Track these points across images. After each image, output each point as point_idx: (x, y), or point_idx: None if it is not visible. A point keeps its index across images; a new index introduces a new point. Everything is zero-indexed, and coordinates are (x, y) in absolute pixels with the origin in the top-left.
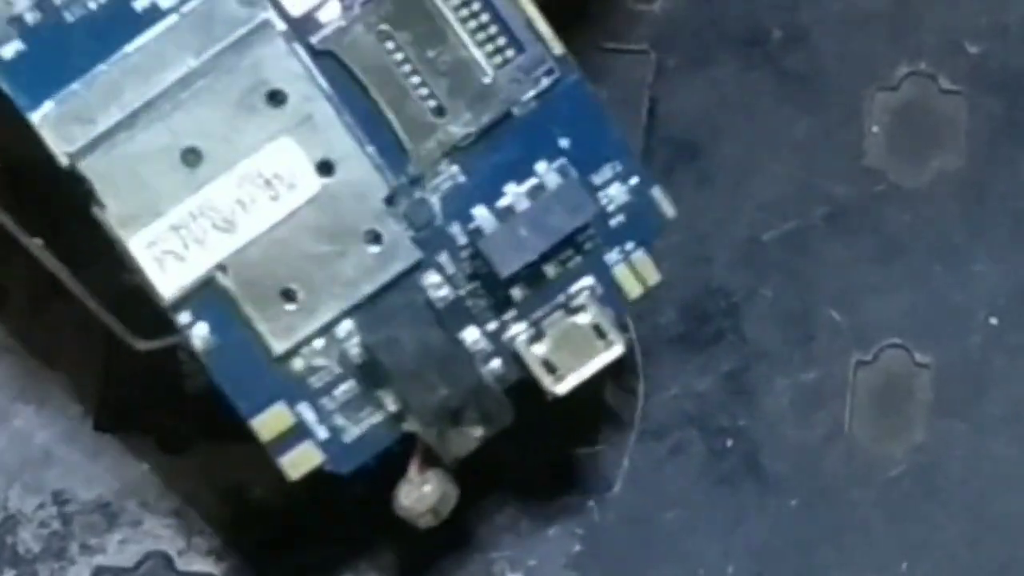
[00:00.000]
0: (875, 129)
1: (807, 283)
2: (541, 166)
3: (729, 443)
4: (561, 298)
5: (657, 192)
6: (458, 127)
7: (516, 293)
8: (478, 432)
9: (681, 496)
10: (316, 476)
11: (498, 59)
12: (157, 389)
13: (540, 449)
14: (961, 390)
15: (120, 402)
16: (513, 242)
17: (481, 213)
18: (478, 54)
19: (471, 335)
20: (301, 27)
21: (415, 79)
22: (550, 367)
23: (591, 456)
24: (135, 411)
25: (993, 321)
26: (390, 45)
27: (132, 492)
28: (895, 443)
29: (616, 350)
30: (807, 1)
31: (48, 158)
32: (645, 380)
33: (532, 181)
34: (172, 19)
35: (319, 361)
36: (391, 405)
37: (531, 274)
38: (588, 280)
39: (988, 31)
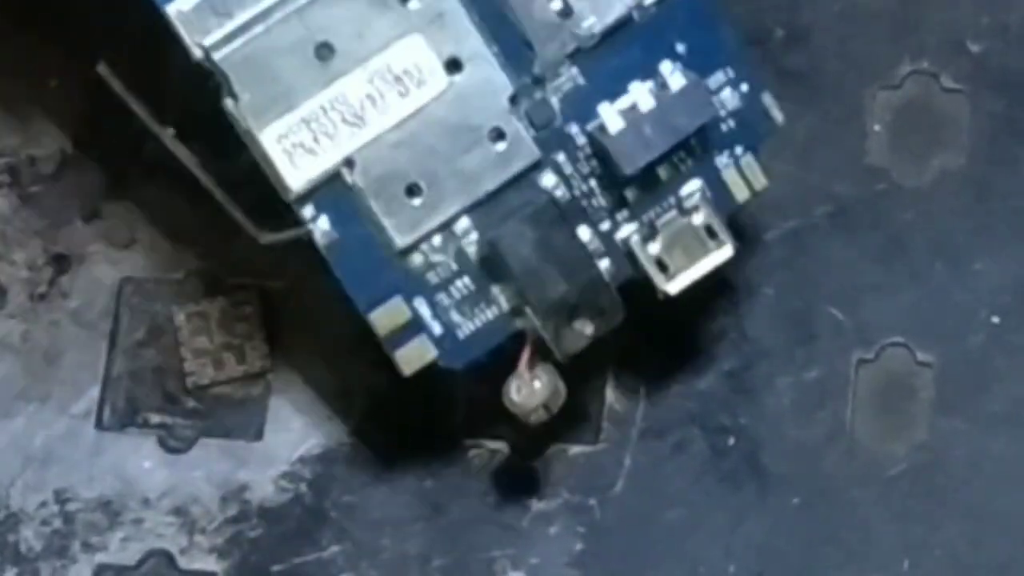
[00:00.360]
0: (877, 128)
1: (809, 282)
2: (665, 67)
3: (731, 442)
4: (672, 199)
5: (767, 98)
6: (582, 29)
7: (629, 194)
8: (590, 329)
9: (683, 495)
10: (317, 472)
11: None
12: (158, 388)
13: (542, 447)
14: (963, 389)
15: (121, 401)
16: (638, 140)
17: (602, 112)
18: None
19: (583, 234)
20: None
21: None
22: (662, 265)
23: (593, 455)
24: (136, 410)
25: (995, 320)
26: None
27: (133, 490)
28: (897, 442)
29: (727, 250)
30: (808, 0)
31: (53, 151)
32: (647, 379)
33: (652, 83)
34: None
35: (437, 257)
36: (505, 302)
37: (645, 176)
38: (697, 182)
39: (989, 30)
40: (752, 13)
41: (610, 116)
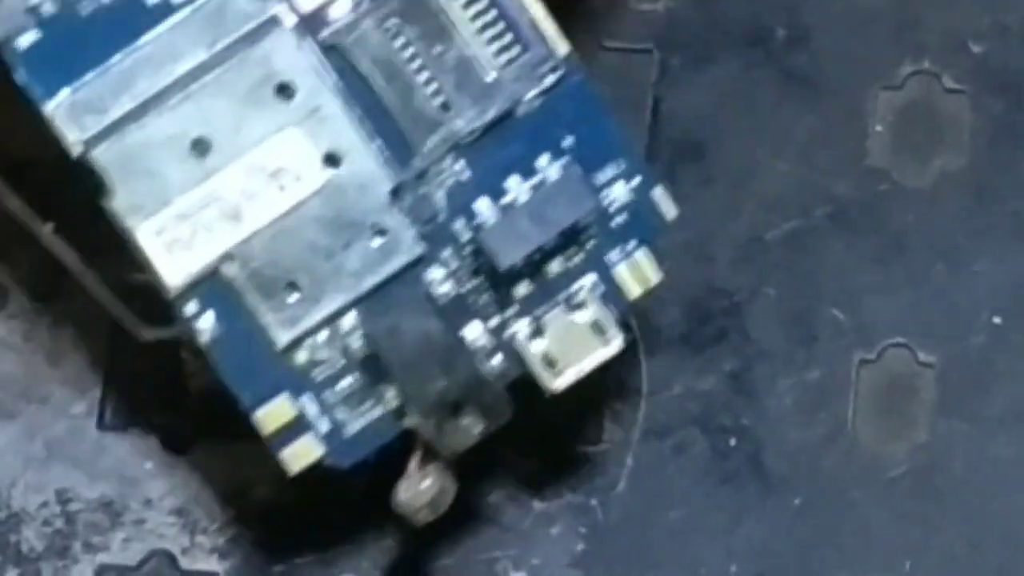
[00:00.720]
0: (878, 128)
1: (810, 282)
2: (543, 160)
3: (732, 442)
4: (563, 295)
5: (659, 192)
6: (463, 123)
7: (519, 290)
8: (477, 427)
9: (684, 495)
10: (319, 473)
11: (503, 57)
12: (160, 388)
13: (544, 448)
14: (964, 389)
15: (123, 401)
16: (513, 234)
17: (483, 208)
18: (484, 51)
19: (473, 331)
20: (311, 22)
21: (422, 75)
22: (549, 362)
23: (595, 455)
24: (138, 410)
25: (996, 320)
26: (398, 41)
27: (135, 491)
28: (898, 442)
29: (614, 347)
30: (810, 0)
31: (52, 155)
32: (648, 379)
33: (535, 177)
34: (184, 12)
35: (322, 354)
36: (393, 400)
37: (534, 271)
38: (590, 278)
39: (991, 30)
40: (754, 12)
41: (487, 212)
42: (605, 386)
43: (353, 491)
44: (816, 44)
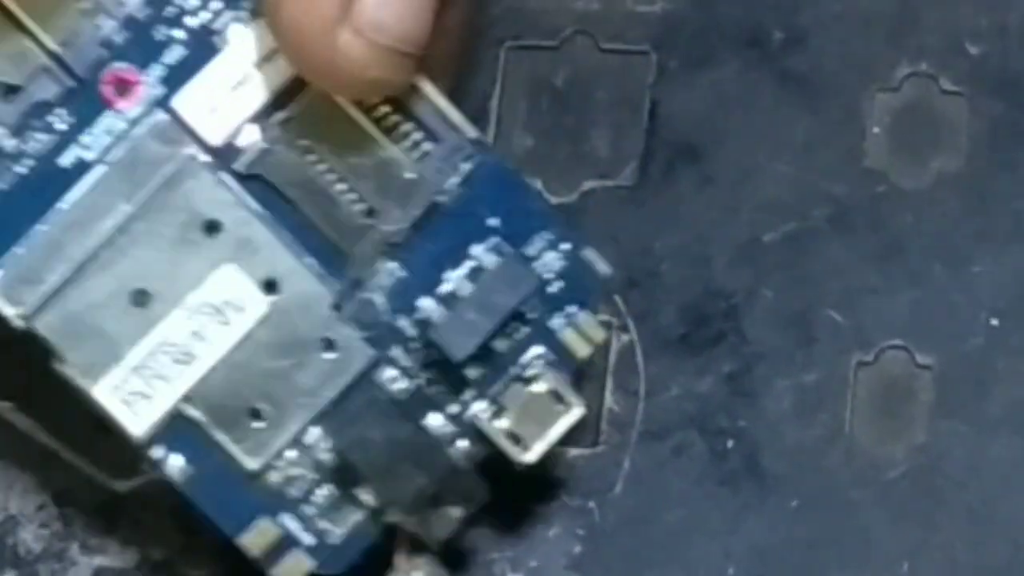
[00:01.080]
0: (876, 130)
1: (808, 284)
2: (476, 248)
3: (730, 444)
4: (515, 370)
5: (590, 253)
6: (390, 224)
7: (471, 373)
8: (458, 513)
9: (682, 497)
10: None
11: (417, 153)
12: None
13: None
14: (962, 391)
15: None
16: (462, 326)
17: (426, 304)
18: (397, 152)
19: (435, 420)
20: (224, 155)
21: (341, 186)
22: (515, 438)
23: (592, 457)
24: None
25: (994, 322)
26: (312, 158)
27: (132, 492)
28: (896, 444)
29: (576, 412)
30: (808, 2)
31: None
32: (646, 381)
33: (470, 264)
34: (99, 170)
35: (294, 471)
36: (371, 501)
37: (482, 352)
38: (538, 349)
39: (989, 32)
40: (752, 14)
41: (430, 307)
42: (603, 388)
43: None
44: (813, 46)
